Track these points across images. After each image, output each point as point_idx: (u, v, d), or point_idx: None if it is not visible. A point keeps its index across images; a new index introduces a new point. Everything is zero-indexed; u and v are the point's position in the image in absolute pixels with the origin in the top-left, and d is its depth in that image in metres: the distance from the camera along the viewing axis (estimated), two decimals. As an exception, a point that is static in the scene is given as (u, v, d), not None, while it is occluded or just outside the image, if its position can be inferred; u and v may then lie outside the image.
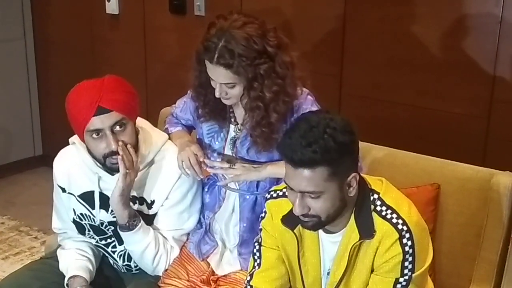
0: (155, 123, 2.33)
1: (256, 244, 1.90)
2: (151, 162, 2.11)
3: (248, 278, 1.91)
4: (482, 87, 2.71)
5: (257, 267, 1.89)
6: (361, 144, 1.79)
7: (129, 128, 2.02)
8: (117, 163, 2.00)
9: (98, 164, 2.10)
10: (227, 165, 2.05)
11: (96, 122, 1.97)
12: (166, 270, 2.14)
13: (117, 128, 1.99)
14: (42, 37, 4.50)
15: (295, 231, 1.77)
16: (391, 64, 2.94)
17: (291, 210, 1.71)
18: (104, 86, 1.99)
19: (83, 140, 2.05)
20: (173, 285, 2.09)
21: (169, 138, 2.18)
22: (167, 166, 2.11)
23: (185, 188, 2.12)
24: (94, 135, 1.99)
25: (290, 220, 1.76)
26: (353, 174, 1.66)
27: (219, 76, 1.93)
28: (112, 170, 2.05)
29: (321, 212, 1.65)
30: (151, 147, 2.11)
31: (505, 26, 2.61)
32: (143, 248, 2.08)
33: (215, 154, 2.12)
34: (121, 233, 2.07)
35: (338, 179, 1.62)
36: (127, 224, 2.04)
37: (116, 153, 1.98)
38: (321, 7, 3.11)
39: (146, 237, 2.07)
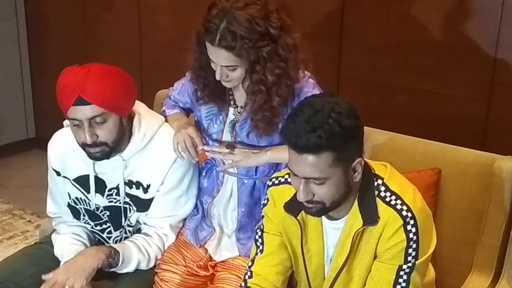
0: (150, 106, 2.30)
1: (258, 230, 1.88)
2: (147, 146, 2.08)
3: (250, 263, 1.90)
4: (482, 70, 2.68)
5: (259, 253, 1.87)
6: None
7: (110, 123, 1.96)
8: (94, 153, 1.98)
9: None
10: (226, 151, 2.01)
11: (75, 111, 1.93)
12: (162, 255, 2.12)
13: (97, 120, 1.94)
14: (34, 17, 4.44)
15: (298, 217, 1.75)
16: (390, 47, 2.90)
17: (294, 196, 1.69)
18: (88, 77, 1.93)
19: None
20: (169, 270, 2.08)
21: (166, 121, 2.15)
22: (163, 150, 2.08)
23: (181, 172, 2.10)
24: (74, 123, 1.96)
25: (293, 207, 1.74)
26: (358, 159, 1.63)
27: (221, 59, 1.89)
28: (90, 158, 2.03)
29: (326, 198, 1.63)
30: (147, 130, 2.08)
31: (507, 9, 2.58)
32: (134, 267, 2.07)
33: (212, 140, 2.08)
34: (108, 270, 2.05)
35: (343, 164, 1.60)
36: (109, 263, 2.02)
37: (90, 145, 1.95)
38: (320, -12, 3.07)
39: (131, 259, 2.06)
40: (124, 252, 2.04)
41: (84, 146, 1.99)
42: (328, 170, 1.58)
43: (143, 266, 2.09)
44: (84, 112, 1.92)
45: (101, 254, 1.99)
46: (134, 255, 2.06)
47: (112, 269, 2.05)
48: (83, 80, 1.91)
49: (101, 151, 1.99)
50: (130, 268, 2.07)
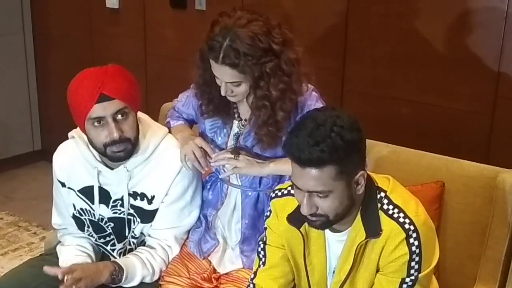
0: (155, 118, 2.31)
1: (260, 243, 1.88)
2: (151, 157, 2.09)
3: (252, 276, 1.90)
4: (486, 84, 2.69)
5: (262, 266, 1.87)
6: (365, 141, 1.78)
7: (130, 118, 2.01)
8: (118, 152, 1.99)
9: (98, 158, 2.08)
10: (231, 156, 2.02)
11: (98, 109, 1.95)
12: (166, 268, 2.12)
13: (119, 116, 1.98)
14: (41, 31, 4.47)
15: (301, 229, 1.75)
16: (394, 60, 2.91)
17: (297, 208, 1.69)
18: (107, 74, 1.98)
19: (83, 130, 2.03)
20: (173, 282, 2.08)
21: (170, 132, 2.17)
22: (167, 160, 2.09)
23: (185, 183, 2.11)
24: (96, 123, 1.97)
25: (296, 219, 1.74)
26: (361, 172, 1.63)
27: (225, 75, 1.91)
28: (112, 159, 2.03)
29: (329, 211, 1.63)
30: (151, 141, 2.09)
31: (510, 23, 2.58)
32: (139, 282, 2.08)
33: (217, 150, 2.09)
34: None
35: (346, 177, 1.60)
36: (113, 279, 2.02)
37: (117, 142, 1.97)
38: (324, 1, 3.08)
39: (135, 275, 2.06)
40: (128, 268, 2.04)
41: (107, 145, 1.99)
42: (331, 183, 1.59)
43: (148, 280, 2.09)
44: (108, 108, 1.95)
45: (106, 272, 2.00)
46: (138, 270, 2.06)
47: (116, 285, 2.05)
48: (103, 77, 1.96)
49: (125, 149, 2.00)
50: (134, 283, 2.07)
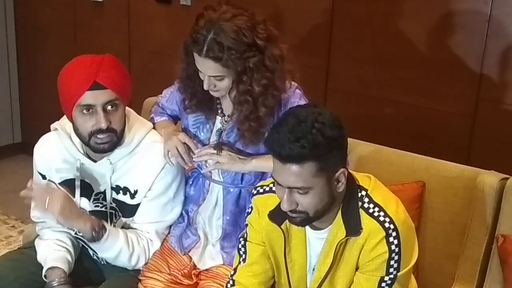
0: (138, 113, 2.30)
1: (241, 239, 1.88)
2: (135, 151, 2.08)
3: (232, 272, 1.90)
4: (468, 85, 2.71)
5: (242, 262, 1.87)
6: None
7: (120, 110, 2.00)
8: (102, 144, 1.98)
9: (81, 150, 2.07)
10: (213, 151, 2.02)
11: (89, 97, 1.94)
12: (146, 263, 2.11)
13: (109, 107, 1.97)
14: (23, 23, 4.43)
15: (282, 226, 1.76)
16: (378, 60, 2.93)
17: (278, 205, 1.69)
18: (103, 63, 1.98)
19: (70, 117, 2.01)
20: (153, 278, 2.07)
21: (154, 128, 2.16)
22: (151, 156, 2.08)
23: (169, 179, 2.10)
24: (85, 111, 1.96)
25: (277, 216, 1.74)
26: (341, 170, 1.64)
27: (208, 69, 1.90)
28: (96, 150, 2.02)
29: (309, 208, 1.63)
30: (136, 134, 2.08)
31: (494, 25, 2.61)
32: (115, 254, 2.06)
33: (200, 146, 2.09)
34: (89, 243, 2.05)
35: (326, 174, 1.60)
36: (92, 236, 2.01)
37: (103, 132, 1.96)
38: (309, 0, 3.08)
39: (115, 243, 2.04)
40: (110, 232, 2.03)
41: (92, 134, 1.98)
42: (311, 180, 1.59)
43: (123, 259, 2.06)
44: (100, 96, 1.94)
45: (88, 223, 1.98)
46: (119, 240, 2.04)
47: (93, 246, 2.03)
48: (99, 65, 1.96)
49: (110, 140, 2.00)
50: (110, 253, 2.05)
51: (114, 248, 2.04)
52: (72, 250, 2.17)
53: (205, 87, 1.94)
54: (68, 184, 2.10)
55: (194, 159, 2.06)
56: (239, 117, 1.98)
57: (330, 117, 1.60)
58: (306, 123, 1.57)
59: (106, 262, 2.19)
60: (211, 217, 2.13)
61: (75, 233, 2.16)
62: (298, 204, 1.63)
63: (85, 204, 2.10)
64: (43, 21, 4.30)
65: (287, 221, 1.74)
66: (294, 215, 1.65)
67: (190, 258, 2.12)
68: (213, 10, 1.90)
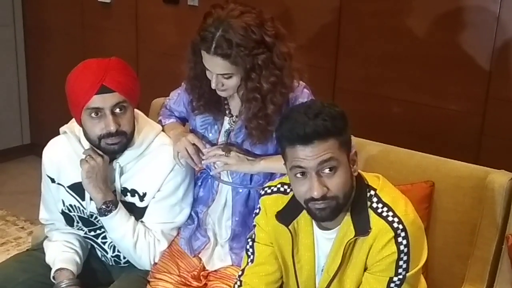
0: (146, 114, 2.30)
1: (249, 240, 1.88)
2: (144, 153, 2.08)
3: (240, 273, 1.89)
4: (477, 84, 2.69)
5: (250, 263, 1.86)
6: (355, 140, 1.79)
7: (128, 112, 2.01)
8: (112, 144, 1.99)
9: None
10: (222, 153, 2.01)
11: (98, 100, 1.95)
12: (155, 264, 2.11)
13: (117, 110, 1.98)
14: (32, 24, 4.44)
15: (289, 227, 1.75)
16: (386, 59, 2.91)
17: (286, 206, 1.69)
18: (110, 66, 1.98)
19: (79, 120, 2.01)
20: (163, 279, 2.07)
21: (163, 130, 2.15)
22: (160, 158, 2.09)
23: (178, 180, 2.10)
24: (93, 114, 1.97)
25: (285, 216, 1.74)
26: (354, 150, 1.67)
27: (216, 67, 1.90)
28: (106, 151, 2.03)
29: (339, 189, 1.62)
30: (145, 137, 2.09)
31: (503, 23, 2.59)
32: (119, 236, 2.06)
33: (209, 146, 2.09)
34: (99, 218, 2.06)
35: (346, 150, 1.64)
36: (101, 209, 2.03)
37: (112, 134, 1.96)
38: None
39: (122, 225, 2.05)
40: (120, 212, 2.04)
41: (102, 137, 1.98)
42: (338, 153, 1.61)
43: (128, 245, 2.06)
44: (108, 100, 1.95)
45: (100, 194, 2.02)
46: (128, 224, 2.05)
47: (102, 220, 2.05)
48: (106, 69, 1.96)
49: (119, 142, 2.00)
50: (116, 233, 2.05)
51: (120, 229, 2.05)
52: (80, 252, 2.17)
53: (213, 86, 1.94)
54: (77, 187, 2.10)
55: (202, 161, 2.06)
56: (247, 115, 1.98)
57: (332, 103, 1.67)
58: (316, 104, 1.64)
59: (115, 262, 2.19)
60: (221, 218, 2.13)
61: (85, 233, 2.17)
62: (329, 188, 1.61)
63: (95, 207, 2.10)
64: (51, 23, 4.31)
65: (295, 221, 1.73)
66: (323, 205, 1.62)
67: (200, 259, 2.11)
68: (221, 8, 1.90)
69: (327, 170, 1.61)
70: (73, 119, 2.10)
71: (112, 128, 1.95)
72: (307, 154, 1.60)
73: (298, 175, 1.63)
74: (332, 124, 1.59)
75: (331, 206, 1.63)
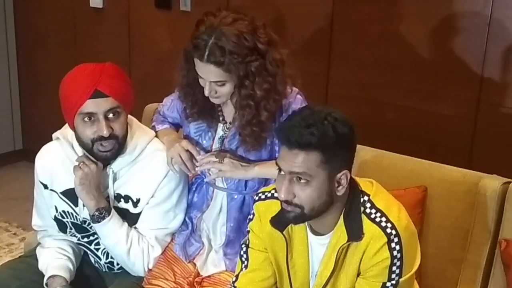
0: (139, 119, 2.30)
1: (243, 246, 1.88)
2: (137, 159, 2.08)
3: (234, 279, 1.89)
4: (469, 89, 2.70)
5: (244, 269, 1.86)
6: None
7: (122, 117, 2.00)
8: (105, 151, 1.98)
9: None
10: (215, 160, 2.01)
11: (91, 105, 1.94)
12: (150, 270, 2.10)
13: (111, 115, 1.98)
14: (24, 29, 4.43)
15: (284, 232, 1.75)
16: (378, 64, 2.92)
17: (280, 211, 1.68)
18: (104, 71, 1.98)
19: (72, 125, 2.01)
20: (160, 286, 2.06)
21: (156, 136, 2.15)
22: (153, 164, 2.08)
23: (172, 185, 2.10)
24: (86, 119, 1.96)
25: (279, 222, 1.73)
26: (344, 171, 1.64)
27: (210, 74, 1.90)
28: (98, 158, 2.02)
29: (306, 202, 1.62)
30: (138, 142, 2.08)
31: (494, 27, 2.60)
32: (113, 243, 2.05)
33: (203, 152, 2.09)
34: (92, 224, 2.06)
35: (329, 169, 1.61)
36: (94, 215, 2.02)
37: (105, 138, 1.96)
38: (309, 5, 3.09)
39: (116, 232, 2.04)
40: (113, 219, 2.03)
41: (94, 141, 1.98)
42: (314, 169, 1.59)
43: (121, 251, 2.05)
44: (101, 105, 1.95)
45: (93, 201, 2.01)
46: (121, 231, 2.04)
47: (96, 227, 2.04)
48: (100, 74, 1.96)
49: (112, 148, 2.00)
50: (109, 240, 2.05)
51: (112, 236, 2.04)
52: (73, 258, 2.17)
53: (206, 93, 1.94)
54: (70, 193, 2.09)
55: (196, 168, 2.06)
56: (241, 121, 1.98)
57: (343, 116, 1.63)
58: (320, 114, 1.60)
59: (108, 269, 2.19)
60: (215, 224, 2.13)
61: (78, 240, 2.16)
62: (296, 196, 1.62)
63: (88, 213, 2.10)
64: (43, 28, 4.30)
65: (289, 227, 1.73)
66: (289, 208, 1.65)
67: (195, 265, 2.11)
68: (213, 16, 1.90)
69: (300, 178, 1.61)
70: (66, 125, 2.09)
71: (105, 133, 1.95)
72: (286, 158, 1.62)
73: (278, 174, 1.67)
74: (318, 139, 1.57)
75: (296, 212, 1.65)
